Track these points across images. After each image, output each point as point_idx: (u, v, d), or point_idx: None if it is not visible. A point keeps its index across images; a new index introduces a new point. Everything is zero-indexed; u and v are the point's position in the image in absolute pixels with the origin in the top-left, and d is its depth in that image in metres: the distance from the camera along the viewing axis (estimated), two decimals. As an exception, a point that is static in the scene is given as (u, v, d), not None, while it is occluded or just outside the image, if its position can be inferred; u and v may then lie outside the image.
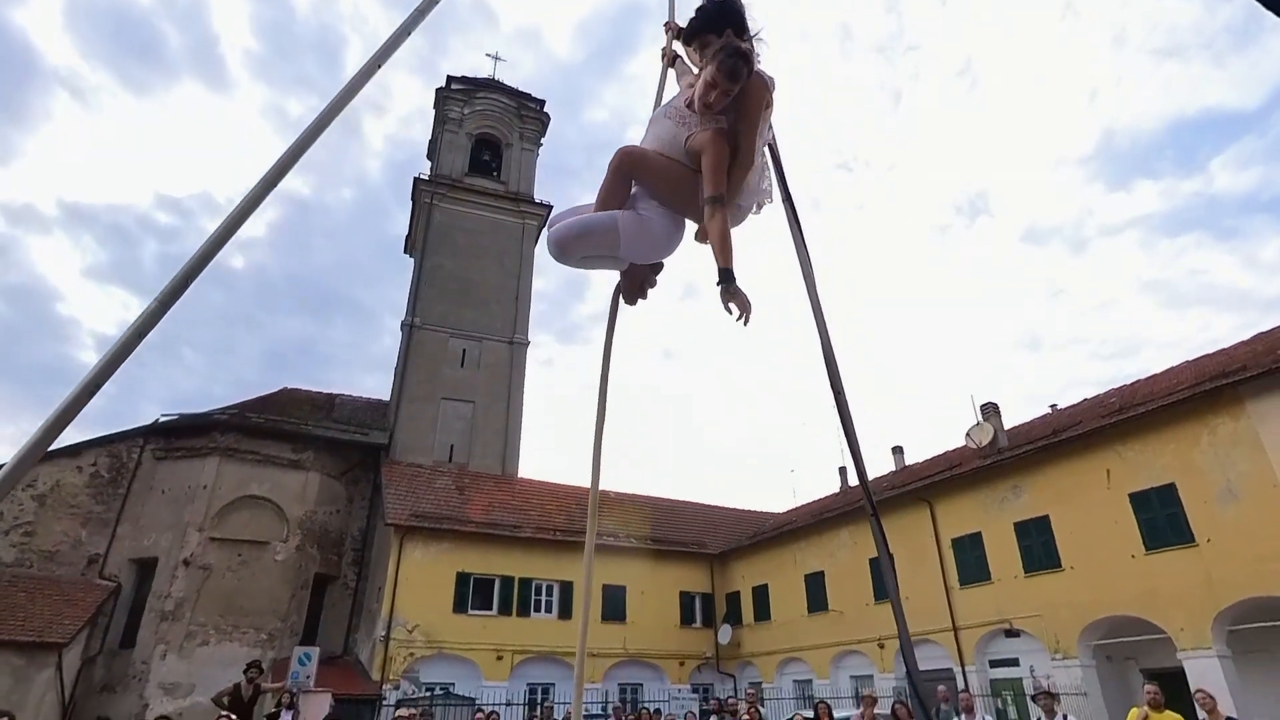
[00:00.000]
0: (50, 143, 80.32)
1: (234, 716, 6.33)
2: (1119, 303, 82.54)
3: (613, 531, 25.43)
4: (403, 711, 7.80)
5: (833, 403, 2.42)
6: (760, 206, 2.56)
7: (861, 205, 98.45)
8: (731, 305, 2.10)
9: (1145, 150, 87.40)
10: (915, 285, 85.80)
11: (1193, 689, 13.00)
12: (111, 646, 19.74)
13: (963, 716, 7.62)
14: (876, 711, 8.94)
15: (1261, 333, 16.22)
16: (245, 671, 9.85)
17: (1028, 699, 15.58)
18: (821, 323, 2.36)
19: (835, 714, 10.13)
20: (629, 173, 2.38)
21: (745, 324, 2.13)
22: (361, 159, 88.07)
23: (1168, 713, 6.93)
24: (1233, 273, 77.04)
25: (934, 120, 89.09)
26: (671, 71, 3.00)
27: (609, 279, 2.58)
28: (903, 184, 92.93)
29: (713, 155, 2.24)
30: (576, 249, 2.34)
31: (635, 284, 2.57)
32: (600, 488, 2.22)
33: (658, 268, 2.59)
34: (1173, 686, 13.93)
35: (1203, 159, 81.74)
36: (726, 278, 2.10)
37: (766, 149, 2.55)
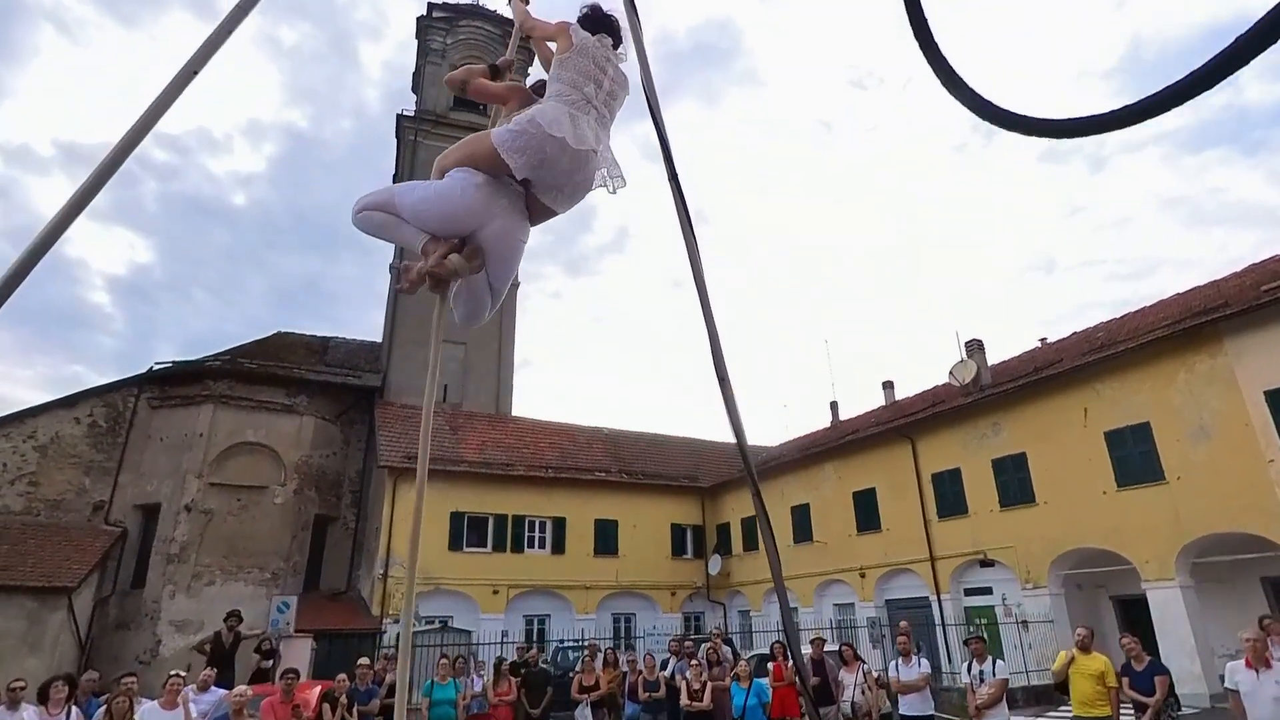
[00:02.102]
0: (40, 80, 78.61)
1: (184, 674, 6.68)
2: (1137, 221, 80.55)
3: (605, 466, 25.91)
4: (363, 661, 8.19)
5: (711, 350, 2.35)
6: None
7: (875, 125, 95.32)
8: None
9: (1173, 61, 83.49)
10: (928, 209, 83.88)
11: (1154, 619, 13.47)
12: (123, 587, 20.62)
13: (899, 659, 7.88)
14: (826, 649, 9.27)
15: (1253, 264, 15.83)
16: (225, 620, 10.29)
17: (998, 627, 16.15)
18: (697, 267, 2.30)
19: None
20: (443, 168, 2.31)
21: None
22: (360, 88, 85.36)
23: (1094, 654, 7.16)
24: (1258, 189, 74.59)
25: (953, 32, 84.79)
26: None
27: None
28: (918, 101, 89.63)
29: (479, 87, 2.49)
30: (358, 210, 2.33)
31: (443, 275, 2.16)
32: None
33: (474, 255, 2.16)
34: (1139, 612, 14.41)
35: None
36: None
37: (607, 72, 2.34)
